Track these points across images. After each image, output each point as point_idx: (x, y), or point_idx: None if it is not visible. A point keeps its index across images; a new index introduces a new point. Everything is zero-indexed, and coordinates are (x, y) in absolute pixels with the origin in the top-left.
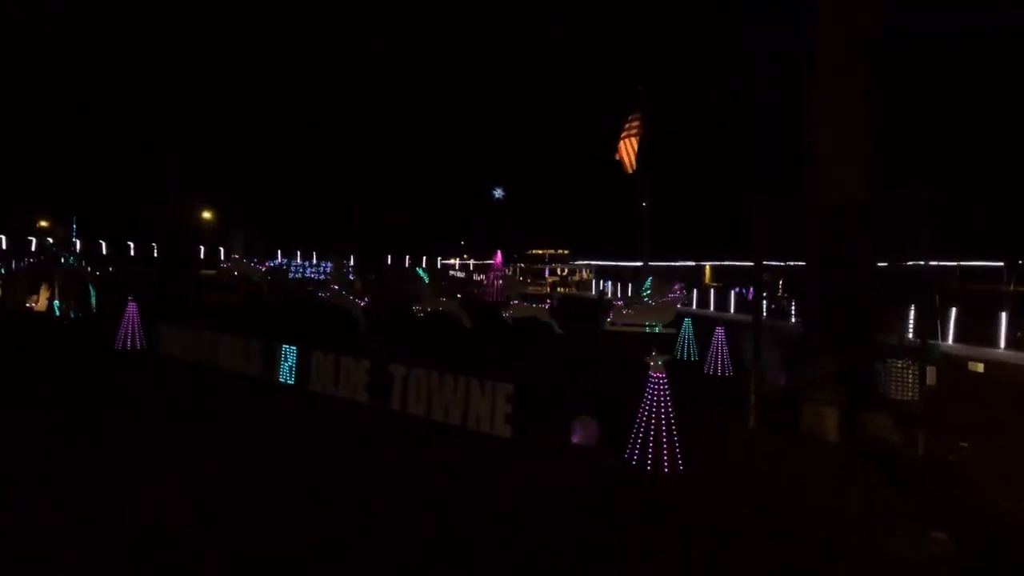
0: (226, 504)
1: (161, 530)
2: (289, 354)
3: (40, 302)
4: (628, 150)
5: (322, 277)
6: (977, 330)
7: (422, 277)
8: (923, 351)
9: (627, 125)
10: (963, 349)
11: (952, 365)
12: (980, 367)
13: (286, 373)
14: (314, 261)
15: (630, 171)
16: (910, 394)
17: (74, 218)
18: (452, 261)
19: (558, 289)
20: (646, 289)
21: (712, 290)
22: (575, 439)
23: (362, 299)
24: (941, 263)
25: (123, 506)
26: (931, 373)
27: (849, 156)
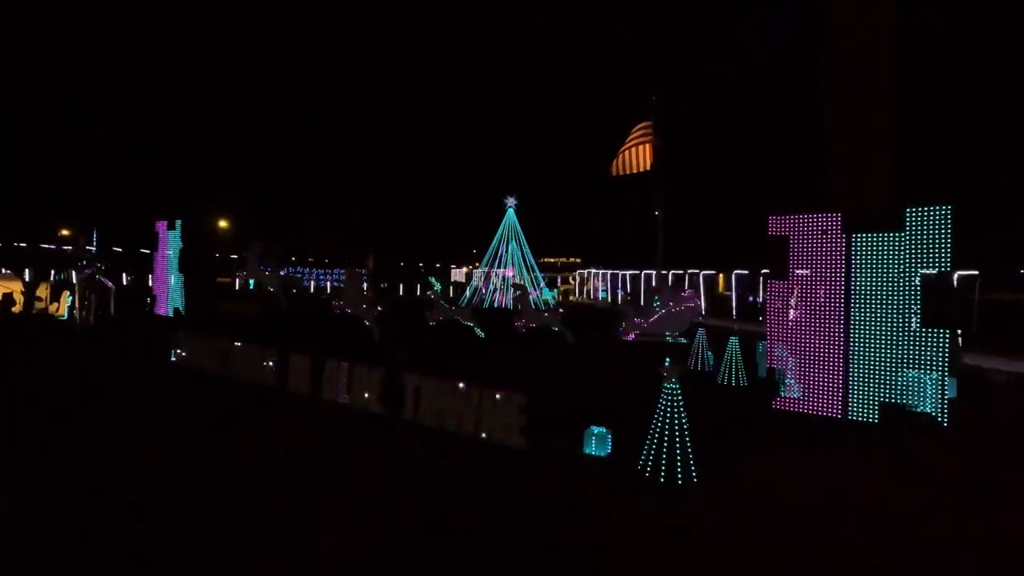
0: (229, 515)
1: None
2: (304, 363)
3: (61, 308)
4: (633, 156)
5: (336, 285)
6: (1000, 340)
7: (434, 285)
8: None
9: (637, 132)
10: (986, 360)
11: (974, 376)
12: (1003, 378)
13: (300, 382)
14: (328, 269)
15: (614, 174)
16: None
17: (95, 228)
18: (463, 269)
19: (570, 298)
20: (655, 305)
21: (726, 299)
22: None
23: (375, 308)
24: (963, 272)
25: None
26: (953, 384)
27: (871, 161)
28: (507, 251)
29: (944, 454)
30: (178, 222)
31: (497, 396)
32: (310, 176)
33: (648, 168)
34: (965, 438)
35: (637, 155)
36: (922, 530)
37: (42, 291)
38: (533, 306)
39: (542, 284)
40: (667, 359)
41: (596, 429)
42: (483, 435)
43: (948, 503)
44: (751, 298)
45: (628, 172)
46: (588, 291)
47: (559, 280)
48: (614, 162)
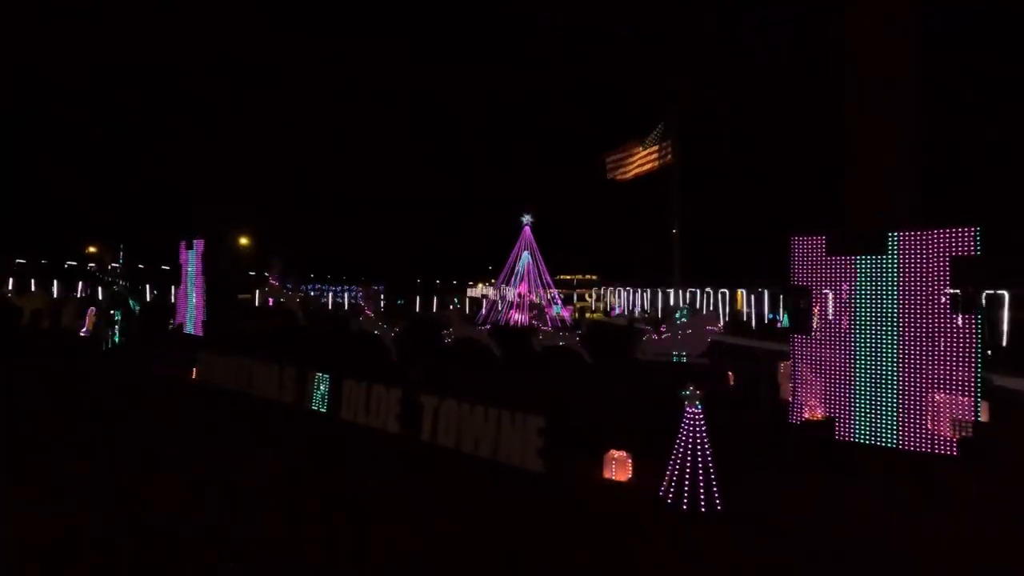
0: (239, 530)
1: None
2: (322, 382)
3: (87, 326)
4: (619, 169)
5: (353, 302)
6: None
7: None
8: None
9: (646, 155)
10: (1017, 382)
11: (1005, 399)
12: None
13: (318, 401)
14: (346, 286)
15: (604, 164)
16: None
17: (121, 246)
18: (480, 287)
19: (587, 316)
20: (682, 315)
21: (746, 317)
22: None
23: (392, 325)
24: (991, 291)
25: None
26: (983, 408)
27: (894, 176)
28: (521, 266)
29: (975, 481)
30: (197, 242)
31: (515, 418)
32: (311, 176)
33: (616, 179)
34: (998, 465)
35: (623, 170)
36: (949, 562)
37: (68, 307)
38: (549, 324)
39: (558, 300)
40: (688, 380)
41: (616, 453)
42: (500, 458)
43: (980, 533)
44: (772, 315)
45: (607, 176)
46: (604, 308)
47: (575, 297)
48: (612, 164)
